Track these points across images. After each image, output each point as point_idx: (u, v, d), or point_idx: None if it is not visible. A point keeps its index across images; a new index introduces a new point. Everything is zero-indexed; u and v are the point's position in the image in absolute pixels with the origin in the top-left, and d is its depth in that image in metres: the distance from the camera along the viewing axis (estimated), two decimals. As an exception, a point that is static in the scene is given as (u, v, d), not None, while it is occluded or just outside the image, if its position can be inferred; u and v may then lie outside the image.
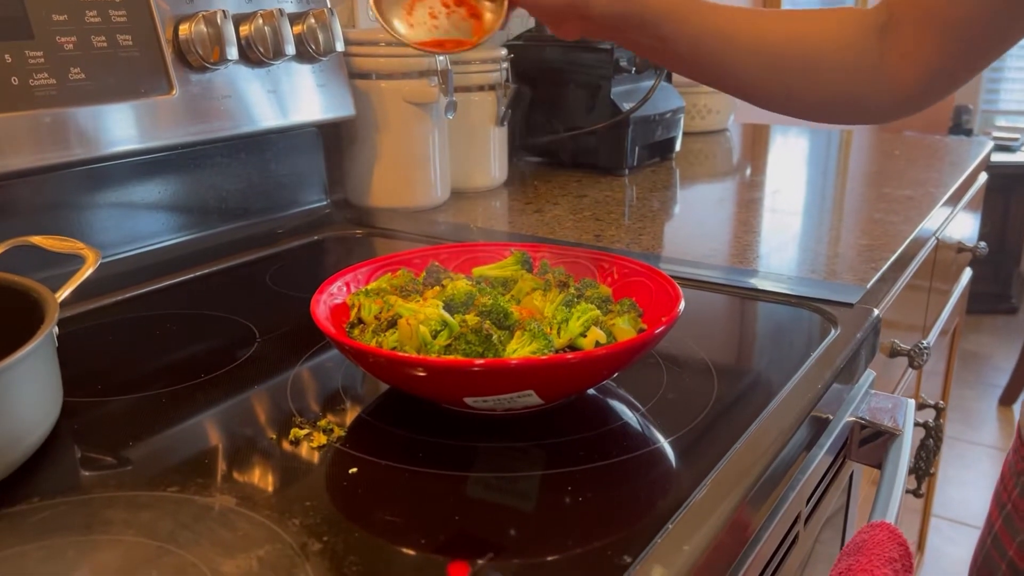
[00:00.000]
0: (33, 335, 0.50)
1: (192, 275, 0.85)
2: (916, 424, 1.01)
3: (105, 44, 0.75)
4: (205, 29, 0.81)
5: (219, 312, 0.76)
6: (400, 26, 0.68)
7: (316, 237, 0.98)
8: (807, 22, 0.62)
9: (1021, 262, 3.39)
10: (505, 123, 1.18)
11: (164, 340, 0.70)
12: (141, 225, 0.88)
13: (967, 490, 2.30)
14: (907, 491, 1.11)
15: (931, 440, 1.06)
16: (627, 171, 1.30)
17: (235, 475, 0.50)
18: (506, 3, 0.65)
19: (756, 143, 1.65)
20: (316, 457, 0.52)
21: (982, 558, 0.77)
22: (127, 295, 0.79)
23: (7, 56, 0.68)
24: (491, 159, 1.19)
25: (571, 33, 0.65)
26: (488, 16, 0.67)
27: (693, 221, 1.06)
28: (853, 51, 0.60)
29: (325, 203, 1.08)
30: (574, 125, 1.29)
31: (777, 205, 1.13)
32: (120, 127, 0.77)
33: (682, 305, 0.57)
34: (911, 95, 0.60)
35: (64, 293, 0.58)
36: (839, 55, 0.60)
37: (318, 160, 1.06)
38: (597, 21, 0.62)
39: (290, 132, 0.98)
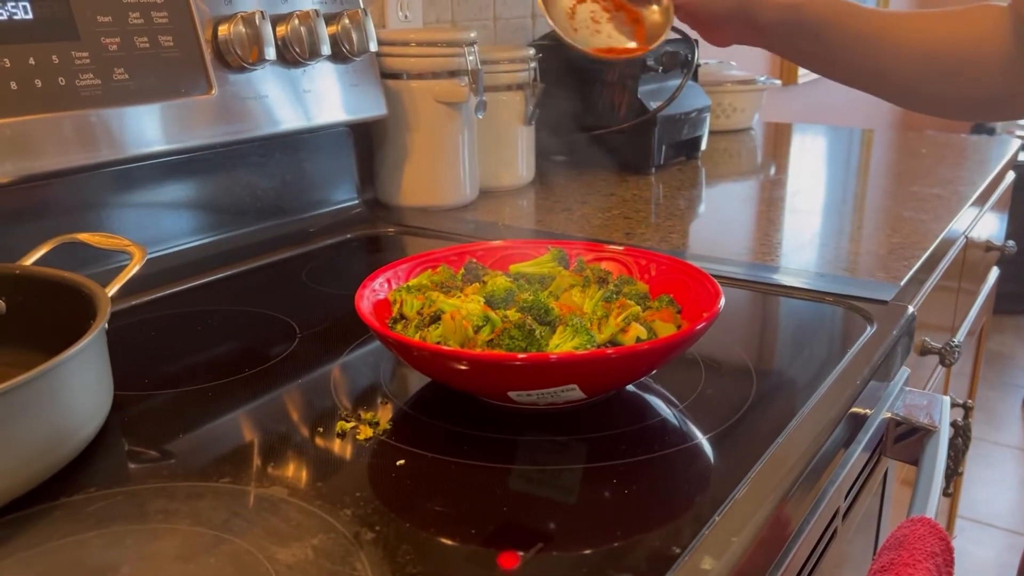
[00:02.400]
0: (85, 330, 0.51)
1: (229, 272, 0.86)
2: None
3: (147, 45, 0.76)
4: (244, 30, 0.82)
5: (258, 308, 0.77)
6: (565, 30, 0.70)
7: (348, 235, 0.99)
8: (961, 23, 0.62)
9: (1046, 262, 3.36)
10: (533, 122, 1.19)
11: (206, 335, 0.71)
12: (177, 223, 0.89)
13: (991, 491, 2.28)
14: (937, 490, 1.11)
15: (959, 439, 1.06)
16: (654, 170, 1.30)
17: (284, 466, 0.51)
18: (671, 9, 0.67)
19: (780, 142, 1.65)
20: (362, 449, 0.53)
21: None
22: (167, 292, 0.81)
23: (54, 57, 0.70)
24: (519, 158, 1.20)
25: (727, 41, 0.67)
26: (656, 17, 0.69)
27: (720, 219, 1.07)
28: (1008, 48, 0.60)
29: (356, 202, 1.09)
30: (601, 124, 1.29)
31: (803, 203, 1.13)
32: (161, 127, 0.78)
33: (722, 301, 0.58)
34: None
35: (113, 289, 0.59)
36: (995, 57, 0.60)
37: (349, 159, 1.07)
38: (763, 29, 0.64)
39: (323, 132, 0.99)
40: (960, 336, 1.29)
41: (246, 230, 0.95)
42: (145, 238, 0.86)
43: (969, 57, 0.61)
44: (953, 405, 1.24)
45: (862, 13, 0.63)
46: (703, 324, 0.54)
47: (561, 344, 0.54)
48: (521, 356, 0.51)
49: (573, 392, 0.52)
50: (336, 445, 0.53)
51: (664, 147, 1.30)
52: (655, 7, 0.69)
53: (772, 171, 1.36)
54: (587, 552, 0.43)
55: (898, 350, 0.70)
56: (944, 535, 0.53)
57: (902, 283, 0.79)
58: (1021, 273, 3.29)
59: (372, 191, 1.13)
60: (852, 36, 0.63)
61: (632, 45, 0.70)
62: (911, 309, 0.73)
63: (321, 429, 0.55)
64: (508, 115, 1.16)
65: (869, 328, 0.69)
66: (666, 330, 0.58)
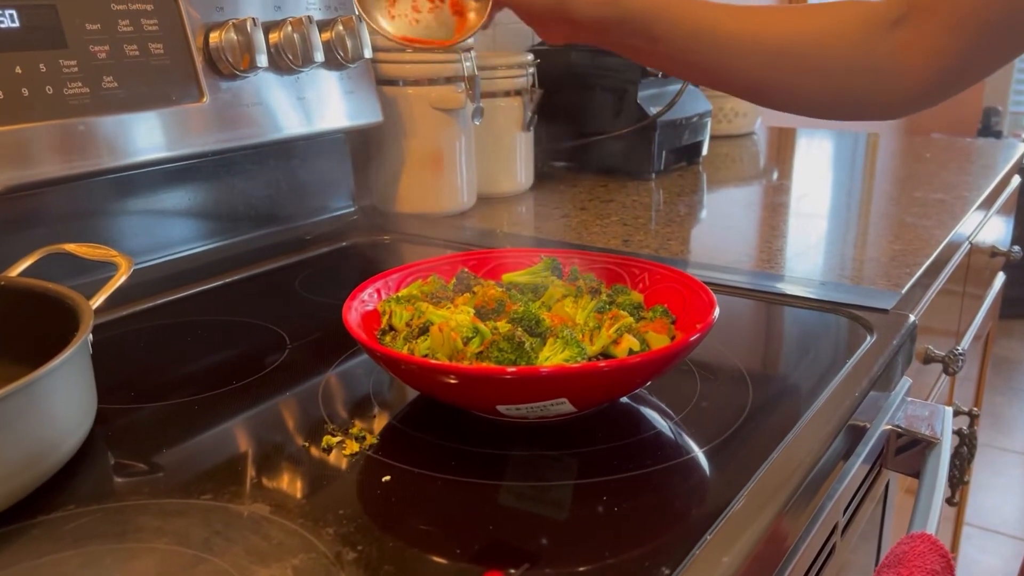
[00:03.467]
0: (68, 342, 0.50)
1: (221, 282, 0.85)
2: (952, 431, 1.00)
3: (137, 53, 0.76)
4: (235, 37, 0.81)
5: (249, 319, 0.76)
6: (381, 19, 0.67)
7: (344, 243, 0.98)
8: (808, 18, 0.59)
9: (1053, 266, 3.33)
10: (531, 128, 1.18)
11: (195, 347, 0.71)
12: (170, 232, 0.88)
13: (998, 497, 2.26)
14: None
15: (965, 448, 1.04)
16: (654, 175, 1.29)
17: (267, 482, 0.50)
18: (490, 3, 0.65)
19: (783, 146, 1.64)
20: (349, 465, 0.51)
21: None
22: (157, 302, 0.80)
23: (42, 65, 0.69)
24: (517, 164, 1.19)
25: (557, 37, 0.64)
26: (472, 15, 0.67)
27: (721, 226, 1.05)
28: (865, 48, 0.58)
29: (352, 209, 1.08)
30: (601, 130, 1.28)
31: (805, 209, 1.11)
32: (151, 135, 0.77)
33: (716, 312, 0.56)
34: (923, 92, 0.58)
35: (98, 300, 0.59)
36: (850, 53, 0.58)
37: (345, 166, 1.06)
38: (582, 25, 0.61)
39: (318, 139, 0.99)
40: (966, 342, 1.28)
41: (240, 239, 0.94)
42: (137, 247, 0.85)
43: (817, 55, 0.59)
44: (958, 413, 1.23)
45: (696, 5, 0.60)
46: (696, 336, 0.53)
47: (551, 357, 0.53)
48: (511, 370, 0.50)
49: (563, 406, 0.51)
50: (321, 460, 0.52)
51: (664, 152, 1.29)
52: (474, 1, 0.67)
53: (775, 176, 1.35)
54: (574, 572, 0.42)
55: (899, 360, 0.68)
56: (945, 552, 0.52)
57: (903, 291, 0.77)
58: (1028, 277, 3.27)
59: (369, 198, 1.12)
60: (685, 31, 0.60)
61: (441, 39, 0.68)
62: (912, 318, 0.72)
63: (307, 444, 0.54)
64: (506, 121, 1.16)
65: (869, 338, 0.68)
66: (659, 341, 0.56)
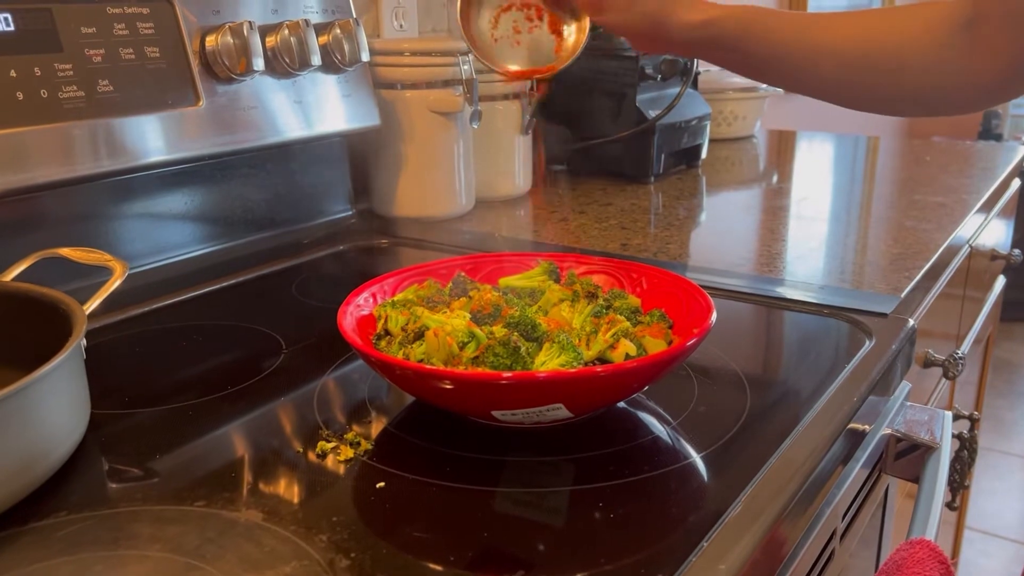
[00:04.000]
0: (61, 347, 0.50)
1: (218, 286, 0.85)
2: (953, 436, 0.99)
3: (133, 56, 0.75)
4: (231, 40, 0.81)
5: (245, 323, 0.76)
6: (484, 41, 0.69)
7: (341, 247, 0.98)
8: (886, 24, 0.63)
9: (1054, 269, 3.33)
10: (529, 132, 1.18)
11: (191, 351, 0.70)
12: (167, 236, 0.88)
13: (1000, 501, 2.25)
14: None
15: (965, 452, 1.04)
16: (653, 179, 1.28)
17: (261, 489, 0.49)
18: (587, 23, 0.67)
19: (783, 149, 1.63)
20: (343, 470, 0.51)
21: None
22: (153, 306, 0.79)
23: (36, 69, 0.69)
24: (516, 168, 1.19)
25: (651, 50, 0.70)
26: (569, 36, 0.69)
27: (720, 229, 1.05)
28: (938, 48, 0.61)
29: (350, 213, 1.08)
30: (599, 133, 1.28)
31: (805, 212, 1.11)
32: (147, 139, 0.77)
33: (714, 316, 0.56)
34: (995, 89, 0.61)
35: (92, 305, 0.58)
36: (924, 53, 0.61)
37: (343, 170, 1.06)
38: (680, 46, 0.67)
39: (315, 142, 0.98)
40: (966, 346, 1.27)
41: (237, 242, 0.94)
42: (134, 251, 0.85)
43: (898, 58, 0.62)
44: (959, 417, 1.22)
45: (779, 22, 0.65)
46: (693, 340, 0.52)
47: (547, 361, 0.53)
48: (506, 375, 0.50)
49: (559, 411, 0.50)
50: (316, 466, 0.52)
51: (663, 156, 1.28)
52: (574, 22, 0.69)
53: (774, 180, 1.34)
54: (569, 580, 0.41)
55: (898, 364, 0.68)
56: (944, 558, 0.51)
57: (902, 295, 0.77)
58: (1029, 280, 3.27)
59: (367, 202, 1.11)
60: (772, 46, 0.64)
61: (543, 65, 0.70)
62: (911, 322, 0.72)
63: (301, 450, 0.53)
64: (504, 124, 1.15)
65: (868, 342, 0.67)
66: (656, 346, 0.56)
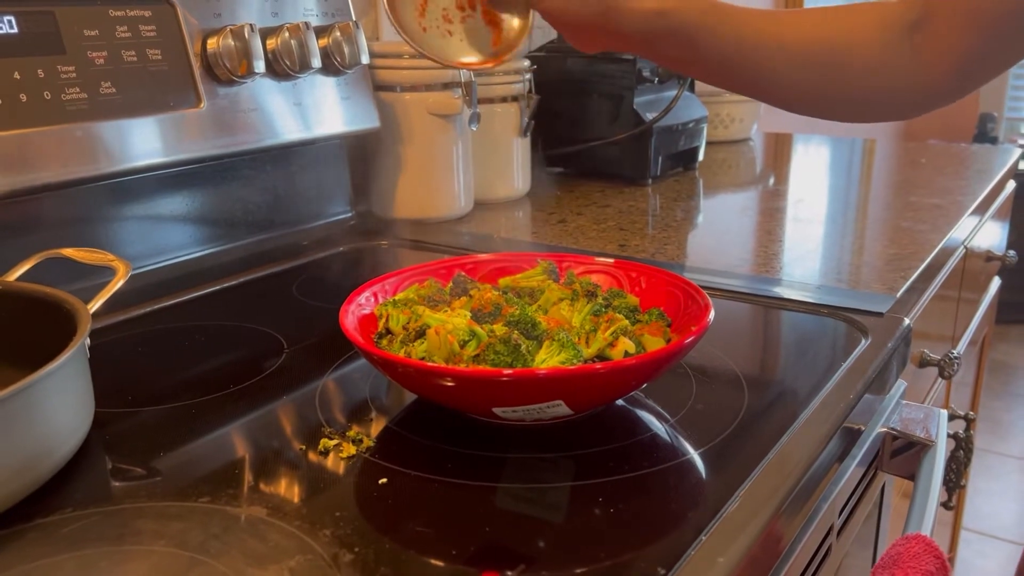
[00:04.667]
0: (66, 346, 0.50)
1: (219, 287, 0.86)
2: (948, 435, 1.00)
3: (135, 59, 0.76)
4: (233, 43, 0.82)
5: (247, 323, 0.76)
6: (413, 30, 0.65)
7: (341, 248, 0.99)
8: (835, 22, 0.61)
9: (1049, 271, 3.34)
10: (528, 134, 1.19)
11: (193, 351, 0.71)
12: (168, 237, 0.89)
13: (996, 502, 2.26)
14: (939, 503, 1.09)
15: (961, 452, 1.05)
16: (650, 181, 1.29)
17: (264, 485, 0.50)
18: (531, 16, 0.64)
19: (779, 152, 1.64)
20: (345, 468, 0.52)
21: None
22: (155, 307, 0.80)
23: (40, 71, 0.69)
24: (514, 170, 1.19)
25: (594, 47, 0.65)
26: (507, 27, 0.66)
27: (717, 230, 1.06)
28: (884, 50, 0.59)
29: (350, 214, 1.08)
30: (597, 135, 1.29)
31: (801, 214, 1.12)
32: (149, 140, 0.78)
33: (712, 315, 0.57)
34: (943, 90, 0.60)
35: (96, 305, 0.59)
36: (870, 55, 0.60)
37: (343, 172, 1.07)
38: (627, 37, 0.62)
39: (315, 144, 0.99)
40: (961, 346, 1.28)
41: (237, 244, 0.95)
42: (135, 252, 0.85)
43: (845, 60, 0.60)
44: (954, 417, 1.23)
45: (734, 15, 0.61)
46: (692, 338, 0.53)
47: (547, 359, 0.53)
48: (507, 372, 0.50)
49: (559, 408, 0.51)
50: (318, 463, 0.52)
51: (661, 158, 1.29)
52: (514, 13, 0.65)
53: (771, 181, 1.35)
54: (570, 573, 0.42)
55: (893, 363, 0.69)
56: (940, 553, 0.52)
57: (898, 295, 0.78)
58: (1025, 282, 3.28)
59: (366, 203, 1.12)
60: (725, 41, 0.61)
61: (476, 59, 0.65)
62: (907, 321, 0.72)
63: (304, 447, 0.54)
64: (503, 127, 1.16)
65: (864, 341, 0.68)
66: (655, 344, 0.57)
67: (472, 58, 0.66)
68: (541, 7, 0.63)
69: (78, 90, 0.72)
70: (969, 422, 1.12)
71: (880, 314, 0.73)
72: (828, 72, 0.61)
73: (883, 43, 0.59)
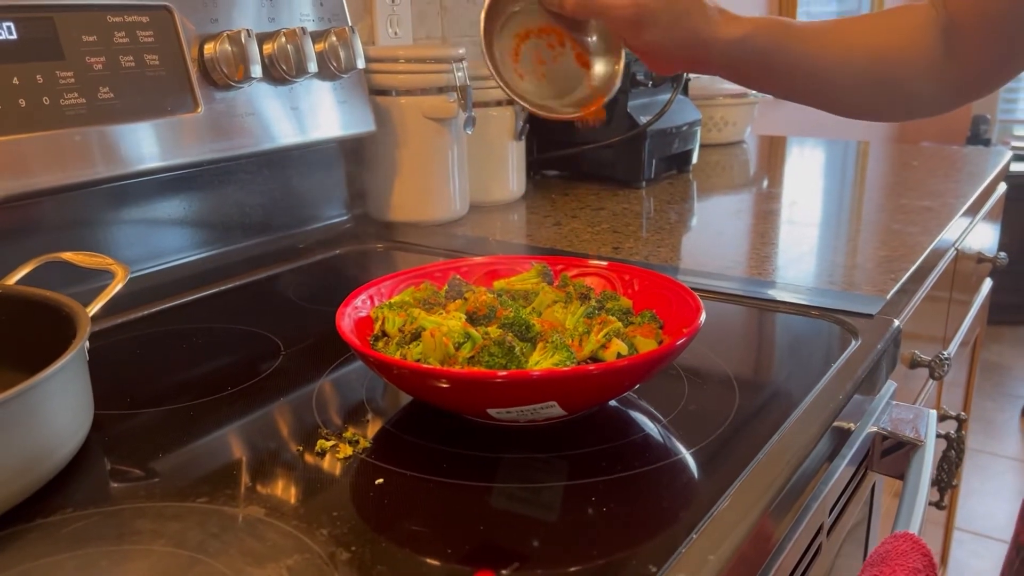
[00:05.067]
0: (65, 349, 0.51)
1: (216, 290, 0.86)
2: (938, 435, 1.01)
3: (133, 64, 0.77)
4: (230, 48, 0.82)
5: (243, 326, 0.77)
6: (509, 76, 0.66)
7: (337, 251, 0.99)
8: (882, 31, 0.65)
9: (1043, 272, 3.36)
10: (523, 137, 1.19)
11: (190, 354, 0.71)
12: (166, 241, 0.89)
13: (990, 502, 2.27)
14: (929, 503, 1.11)
15: (953, 452, 1.06)
16: (644, 184, 1.30)
17: (262, 486, 0.50)
18: (622, 54, 0.64)
19: (773, 155, 1.65)
20: (342, 468, 0.52)
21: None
22: (153, 310, 0.81)
23: (39, 77, 0.70)
24: (509, 173, 1.20)
25: (673, 70, 0.69)
26: (598, 65, 0.66)
27: (711, 233, 1.07)
28: (928, 52, 0.63)
29: (346, 218, 1.09)
30: (591, 139, 1.29)
31: (795, 216, 1.13)
32: (147, 145, 0.78)
33: (703, 317, 0.58)
34: (971, 90, 0.64)
35: (95, 308, 0.59)
36: (918, 58, 0.64)
37: (339, 175, 1.07)
38: (715, 66, 0.66)
39: (311, 148, 1.00)
40: (953, 347, 1.29)
41: (234, 247, 0.95)
42: (133, 256, 0.86)
43: (896, 64, 0.64)
44: (946, 417, 1.24)
45: (801, 33, 0.65)
46: (683, 340, 0.54)
47: (541, 361, 0.54)
48: (502, 374, 0.51)
49: (553, 409, 0.52)
50: (315, 464, 0.53)
51: (655, 161, 1.30)
52: (603, 51, 0.66)
53: (764, 184, 1.36)
54: (563, 571, 0.43)
55: (883, 364, 0.69)
56: (927, 551, 0.53)
57: (888, 296, 0.79)
58: (1019, 284, 3.30)
59: (362, 207, 1.13)
60: (795, 58, 0.65)
61: (573, 106, 0.65)
62: (897, 323, 0.73)
63: (301, 448, 0.55)
64: (498, 130, 1.17)
65: (854, 342, 0.69)
66: (647, 346, 0.57)
67: (569, 106, 0.67)
68: (634, 45, 0.65)
69: (76, 95, 0.72)
70: (961, 422, 1.13)
71: (870, 316, 0.74)
72: (882, 81, 0.64)
73: (925, 46, 0.63)
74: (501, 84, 0.65)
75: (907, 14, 0.65)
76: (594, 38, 0.67)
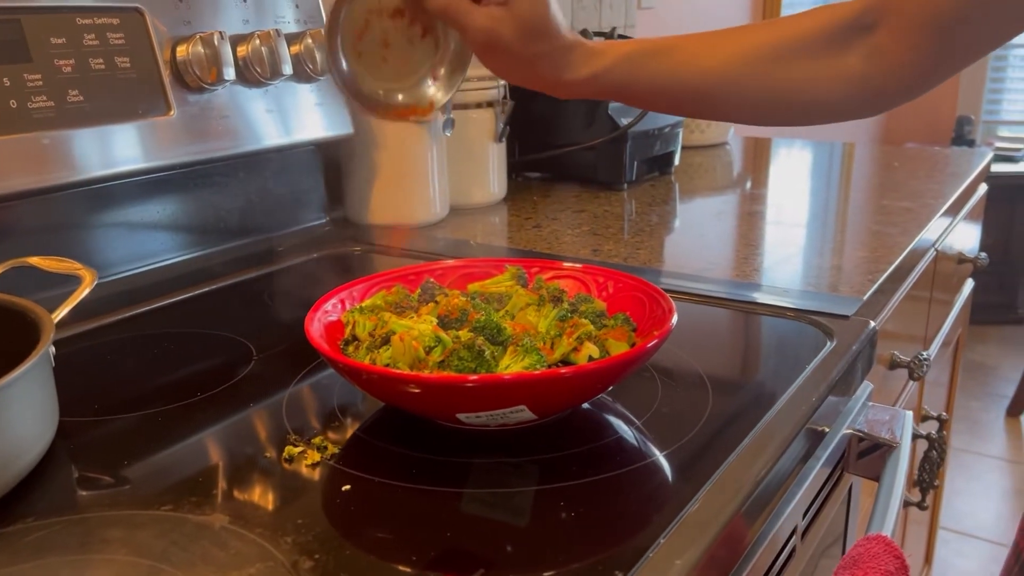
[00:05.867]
0: (29, 355, 0.50)
1: (190, 294, 0.85)
2: (920, 436, 1.01)
3: (103, 66, 0.76)
4: (202, 50, 0.81)
5: (217, 331, 0.76)
6: (347, 51, 0.63)
7: (315, 255, 0.99)
8: (777, 28, 0.62)
9: (1026, 272, 3.38)
10: (503, 139, 1.19)
11: (161, 359, 0.71)
12: (140, 244, 0.88)
13: (975, 502, 2.28)
14: (912, 504, 1.10)
15: (935, 452, 1.06)
16: (626, 186, 1.30)
17: (228, 493, 0.50)
18: (466, 71, 0.64)
19: (757, 156, 1.65)
20: (310, 475, 0.52)
21: None
22: (126, 314, 0.80)
23: (5, 79, 0.69)
24: (490, 175, 1.20)
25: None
26: (444, 72, 0.65)
27: (692, 235, 1.06)
28: (828, 50, 0.60)
29: (324, 221, 1.08)
30: (573, 140, 1.29)
31: (777, 218, 1.13)
32: (119, 148, 0.77)
33: (675, 319, 0.57)
34: (895, 91, 0.60)
35: (61, 313, 0.59)
36: (813, 55, 0.60)
37: (317, 178, 1.07)
38: (574, 97, 0.66)
39: (289, 151, 0.99)
40: (934, 348, 1.29)
41: (210, 251, 0.94)
42: (107, 260, 0.85)
43: (785, 59, 0.61)
44: (927, 418, 1.24)
45: (663, 48, 0.63)
46: (654, 342, 0.54)
47: (511, 365, 0.53)
48: (472, 378, 0.51)
49: (523, 413, 0.51)
50: (282, 470, 0.52)
51: (636, 163, 1.30)
52: (454, 62, 0.64)
53: (747, 186, 1.36)
54: (529, 577, 0.42)
55: (858, 365, 0.69)
56: (899, 553, 0.53)
57: (864, 298, 0.78)
58: (1002, 283, 3.32)
59: (341, 210, 1.12)
60: (662, 81, 0.63)
61: (399, 103, 0.64)
62: (872, 324, 0.73)
63: (269, 454, 0.54)
64: (478, 132, 1.16)
65: (829, 343, 0.69)
66: (619, 348, 0.57)
67: (400, 93, 0.64)
68: (487, 66, 0.64)
69: (45, 98, 0.72)
70: (942, 423, 1.13)
71: (846, 317, 0.74)
72: (769, 78, 0.61)
73: (827, 44, 0.60)
74: (329, 59, 0.63)
75: (812, 13, 0.62)
76: (452, 46, 0.65)
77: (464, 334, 0.56)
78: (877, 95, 0.61)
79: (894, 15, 0.58)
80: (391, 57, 0.64)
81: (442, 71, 0.65)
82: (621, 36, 1.44)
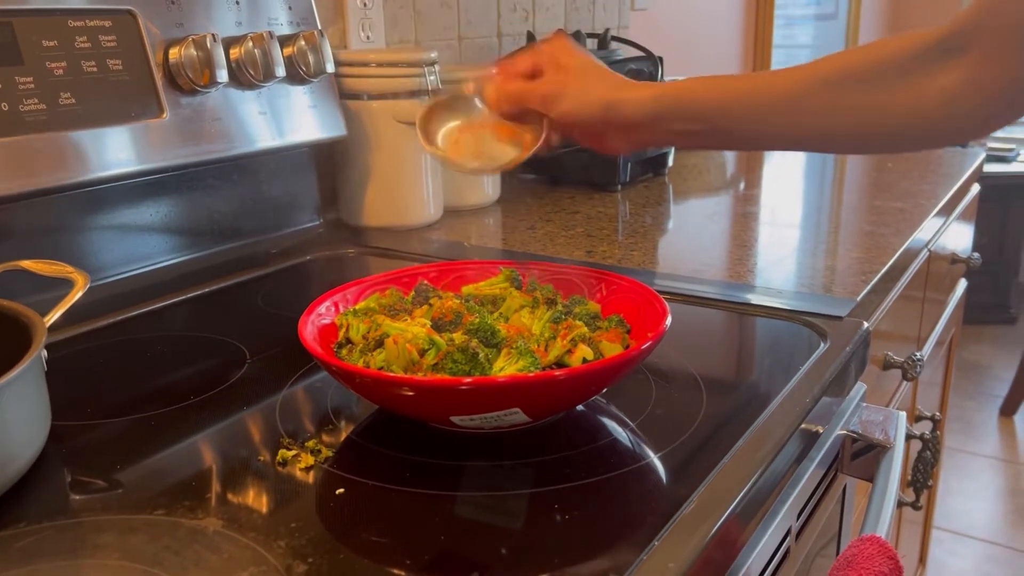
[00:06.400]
0: (21, 359, 0.50)
1: (184, 297, 0.85)
2: (913, 436, 1.01)
3: (95, 69, 0.76)
4: (195, 53, 0.81)
5: (210, 334, 0.76)
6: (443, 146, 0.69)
7: (308, 257, 0.98)
8: (857, 55, 0.58)
9: (1019, 272, 3.39)
10: (497, 141, 1.19)
11: (155, 363, 0.70)
12: (134, 247, 0.88)
13: (969, 501, 2.29)
14: (906, 504, 1.11)
15: (928, 452, 1.06)
16: (620, 187, 1.30)
17: (222, 497, 0.50)
18: (545, 125, 0.67)
19: (750, 157, 1.65)
20: (303, 478, 0.52)
21: None
22: (119, 318, 0.79)
23: (-3, 82, 0.69)
24: (484, 176, 1.19)
25: (615, 146, 0.67)
26: (528, 136, 0.69)
27: (686, 236, 1.07)
28: (912, 75, 0.56)
29: (318, 223, 1.08)
30: (567, 142, 1.29)
31: (770, 219, 1.13)
32: (111, 151, 0.77)
33: (668, 320, 0.57)
34: (991, 114, 0.56)
35: (53, 317, 0.58)
36: (896, 79, 0.56)
37: (310, 180, 1.07)
38: (636, 125, 0.63)
39: (282, 153, 0.99)
40: (928, 348, 1.29)
41: (204, 253, 0.94)
42: (101, 263, 0.85)
43: (868, 85, 0.57)
44: (921, 418, 1.25)
45: (752, 96, 0.61)
46: (648, 344, 0.54)
47: (505, 367, 0.53)
48: (466, 381, 0.51)
49: (517, 415, 0.51)
50: (276, 474, 0.52)
51: (630, 164, 1.30)
52: (529, 128, 0.68)
53: (741, 187, 1.36)
54: (523, 580, 0.42)
55: (852, 366, 0.69)
56: (893, 554, 0.53)
57: (858, 299, 0.79)
58: (995, 283, 3.33)
59: (335, 212, 1.12)
60: (730, 106, 0.62)
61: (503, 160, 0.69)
62: (866, 325, 0.73)
63: (262, 458, 0.54)
64: (472, 134, 1.16)
65: (823, 344, 0.69)
66: (613, 350, 0.57)
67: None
68: (554, 117, 0.65)
69: (36, 101, 0.71)
70: (936, 423, 1.13)
71: (839, 318, 0.74)
72: (853, 107, 0.58)
73: (911, 69, 0.56)
74: (430, 151, 0.70)
75: (893, 38, 0.57)
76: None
77: (458, 336, 0.56)
78: (975, 119, 0.56)
79: (986, 33, 0.53)
80: (483, 152, 0.69)
81: (527, 137, 0.69)
82: (615, 38, 1.44)
